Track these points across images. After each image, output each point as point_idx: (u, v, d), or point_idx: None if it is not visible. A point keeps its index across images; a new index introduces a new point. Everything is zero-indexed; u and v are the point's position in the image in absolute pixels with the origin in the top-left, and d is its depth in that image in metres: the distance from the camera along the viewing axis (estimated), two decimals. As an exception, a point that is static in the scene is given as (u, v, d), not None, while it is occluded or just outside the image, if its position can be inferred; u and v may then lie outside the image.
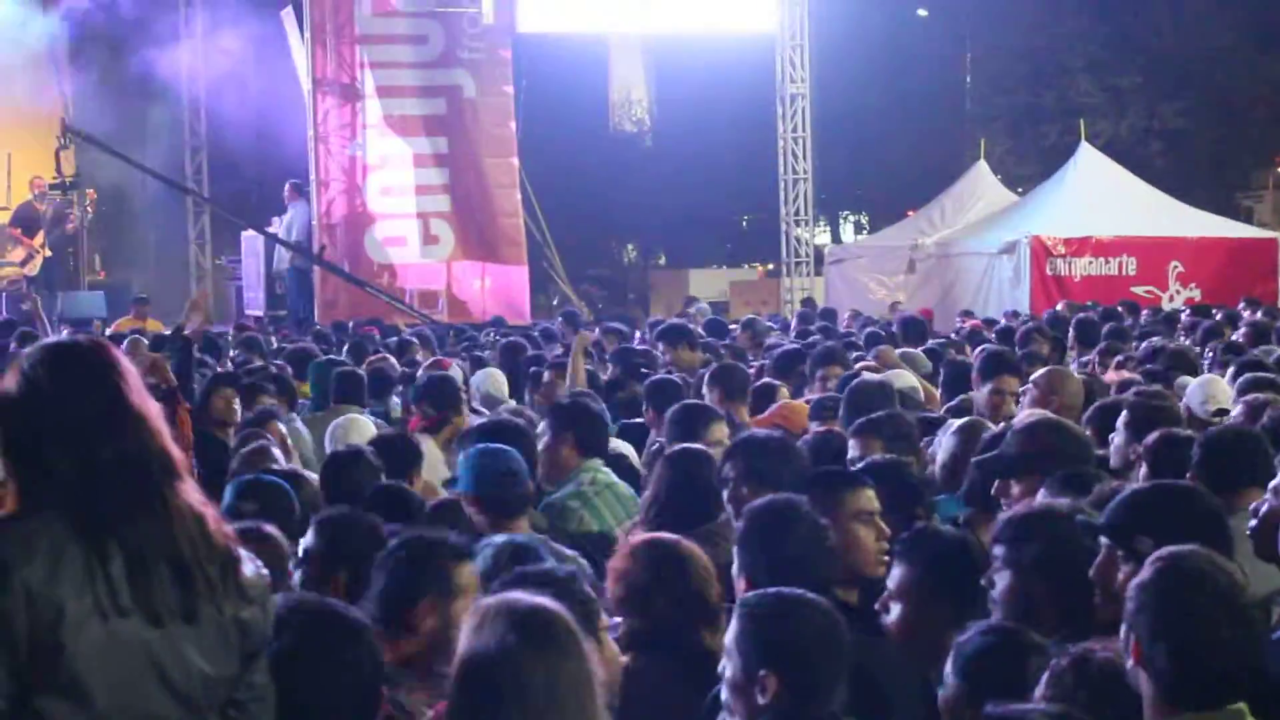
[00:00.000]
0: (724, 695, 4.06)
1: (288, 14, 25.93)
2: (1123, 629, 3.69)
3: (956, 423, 6.80)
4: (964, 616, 4.29)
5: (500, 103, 24.70)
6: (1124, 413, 6.92)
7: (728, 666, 4.05)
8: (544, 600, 3.41)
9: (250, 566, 3.53)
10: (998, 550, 4.46)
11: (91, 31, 29.30)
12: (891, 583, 4.60)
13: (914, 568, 4.58)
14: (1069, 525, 4.42)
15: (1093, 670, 3.70)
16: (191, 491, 3.48)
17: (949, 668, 3.97)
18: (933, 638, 4.34)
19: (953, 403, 9.11)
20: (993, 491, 5.76)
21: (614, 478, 7.23)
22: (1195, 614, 3.60)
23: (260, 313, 25.19)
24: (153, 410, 3.49)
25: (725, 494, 5.92)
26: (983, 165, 27.43)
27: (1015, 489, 5.68)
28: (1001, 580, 4.41)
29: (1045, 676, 3.70)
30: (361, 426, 8.51)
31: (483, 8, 24.57)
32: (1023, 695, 3.67)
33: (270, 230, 25.46)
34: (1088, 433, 7.24)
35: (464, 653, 3.36)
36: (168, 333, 19.30)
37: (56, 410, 3.38)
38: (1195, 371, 10.39)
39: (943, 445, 6.61)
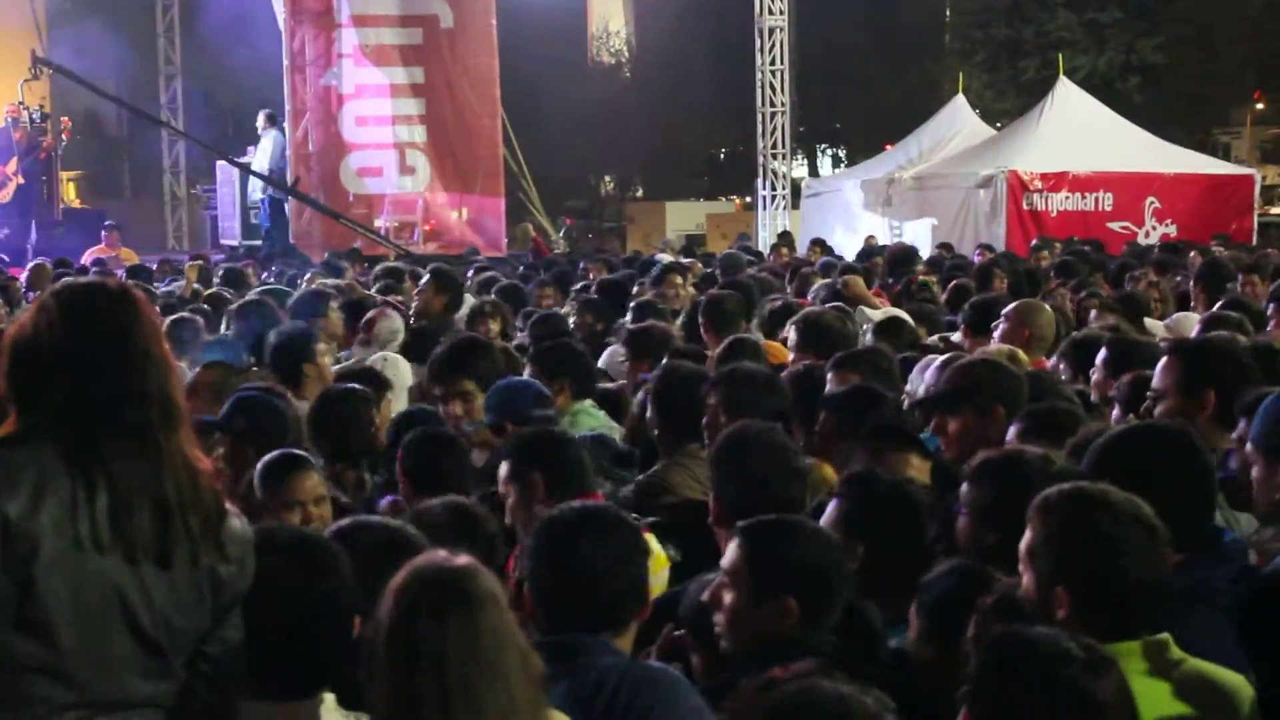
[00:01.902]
0: (723, 620, 4.06)
1: (264, -59, 25.73)
2: (1026, 578, 3.71)
3: (937, 359, 6.78)
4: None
5: (482, 33, 24.51)
6: (1103, 350, 6.89)
7: (732, 593, 4.06)
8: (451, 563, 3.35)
9: (236, 523, 3.53)
10: (962, 490, 4.43)
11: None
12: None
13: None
14: (1028, 472, 4.31)
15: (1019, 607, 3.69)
16: (188, 441, 3.49)
17: (913, 608, 3.99)
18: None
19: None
20: (930, 429, 5.79)
21: (601, 418, 7.23)
22: (1103, 539, 3.61)
23: (235, 242, 25.12)
24: (163, 354, 3.49)
25: (705, 420, 5.95)
26: (961, 99, 27.35)
27: (951, 425, 5.72)
28: (960, 522, 4.39)
29: (974, 617, 3.69)
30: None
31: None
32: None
33: (244, 160, 25.34)
34: (1061, 366, 7.32)
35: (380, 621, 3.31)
36: (139, 262, 19.40)
37: (60, 341, 3.40)
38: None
39: (923, 381, 6.60)
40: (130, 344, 3.43)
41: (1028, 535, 3.71)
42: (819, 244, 20.16)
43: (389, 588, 3.22)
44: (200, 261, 15.95)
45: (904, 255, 15.84)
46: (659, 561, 4.77)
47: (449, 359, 7.19)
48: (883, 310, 10.27)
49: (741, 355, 7.29)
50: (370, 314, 9.78)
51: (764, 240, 25.79)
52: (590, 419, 7.13)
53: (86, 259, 19.74)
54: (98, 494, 3.31)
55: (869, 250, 18.07)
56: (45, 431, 3.35)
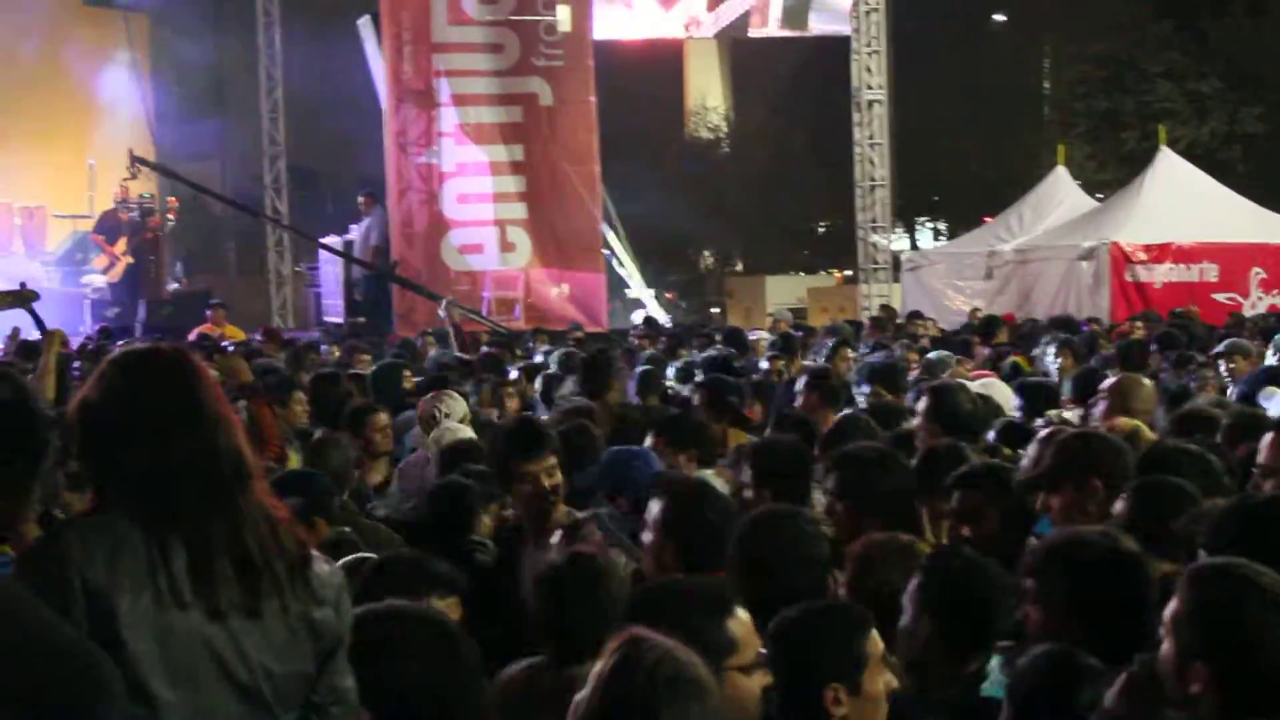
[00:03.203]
0: None
1: (365, 23, 26.06)
2: (1166, 646, 3.61)
3: (1044, 431, 6.73)
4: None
5: (581, 111, 24.73)
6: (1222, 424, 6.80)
7: None
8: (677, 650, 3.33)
9: (324, 566, 3.56)
10: (1027, 583, 4.31)
11: (171, 43, 29.66)
12: None
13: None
14: (1100, 554, 4.22)
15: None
16: (263, 492, 3.53)
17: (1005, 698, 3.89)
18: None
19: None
20: (1038, 505, 5.74)
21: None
22: (1249, 619, 3.53)
23: (339, 319, 25.34)
24: (228, 413, 3.54)
25: (826, 508, 5.95)
26: (1061, 171, 27.22)
27: (1054, 501, 5.66)
28: (1034, 614, 4.26)
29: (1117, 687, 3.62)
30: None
31: (559, 16, 24.61)
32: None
33: (346, 238, 25.62)
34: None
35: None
36: (245, 339, 19.64)
37: (129, 411, 3.44)
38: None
39: (1029, 454, 6.55)
40: (194, 405, 3.47)
41: (1174, 604, 3.63)
42: (918, 316, 20.11)
43: (610, 670, 3.21)
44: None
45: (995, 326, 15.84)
46: None
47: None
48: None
49: (855, 433, 7.30)
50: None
51: (866, 314, 25.73)
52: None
53: (192, 337, 19.96)
54: (174, 554, 3.34)
55: (989, 322, 17.86)
56: (120, 499, 3.38)
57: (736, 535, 5.02)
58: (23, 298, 9.92)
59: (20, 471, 3.52)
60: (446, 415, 8.97)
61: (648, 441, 7.39)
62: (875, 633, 4.08)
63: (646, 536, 5.23)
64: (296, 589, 3.46)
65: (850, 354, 12.30)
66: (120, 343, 17.70)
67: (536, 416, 7.54)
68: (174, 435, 3.42)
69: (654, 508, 5.24)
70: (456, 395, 9.43)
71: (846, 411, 8.34)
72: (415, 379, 11.67)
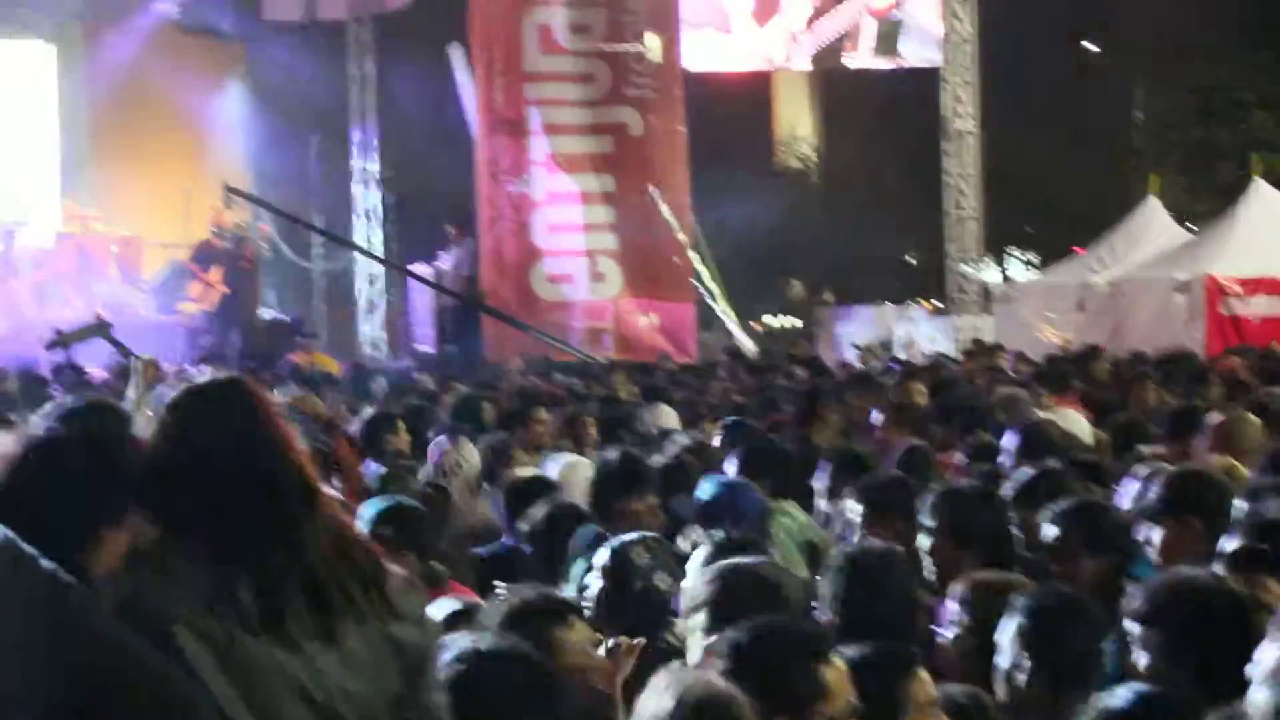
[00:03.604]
0: None
1: (455, 50, 26.22)
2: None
3: (1143, 470, 6.67)
4: None
5: (672, 140, 24.80)
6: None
7: None
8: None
9: (401, 583, 3.55)
10: (1133, 628, 4.26)
11: (265, 71, 29.95)
12: None
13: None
14: (1211, 597, 4.17)
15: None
16: (332, 510, 3.52)
17: None
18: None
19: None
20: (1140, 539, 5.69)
21: (802, 518, 7.20)
22: None
23: (430, 348, 25.46)
24: (288, 436, 3.53)
25: (930, 547, 5.91)
26: (1154, 201, 26.96)
27: (1155, 538, 5.60)
28: (1140, 658, 4.21)
29: None
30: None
31: (649, 46, 24.67)
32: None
33: (436, 265, 25.76)
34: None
35: None
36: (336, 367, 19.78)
37: (185, 447, 3.45)
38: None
39: (1128, 494, 6.49)
40: (251, 434, 3.47)
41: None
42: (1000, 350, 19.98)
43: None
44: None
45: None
46: None
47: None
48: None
49: (922, 465, 7.30)
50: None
51: (954, 346, 25.58)
52: (789, 519, 7.11)
53: (283, 367, 20.10)
54: (242, 585, 3.33)
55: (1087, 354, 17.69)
56: (184, 534, 3.39)
57: (832, 574, 5.00)
58: (100, 329, 10.03)
59: (102, 511, 3.55)
60: (460, 465, 9.01)
61: (731, 471, 7.38)
62: (925, 675, 4.04)
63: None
64: (374, 606, 3.45)
65: (920, 386, 12.19)
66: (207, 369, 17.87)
67: (638, 453, 7.48)
68: (232, 466, 3.43)
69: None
70: (469, 442, 9.43)
71: (914, 442, 8.28)
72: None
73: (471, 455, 9.03)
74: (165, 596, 3.28)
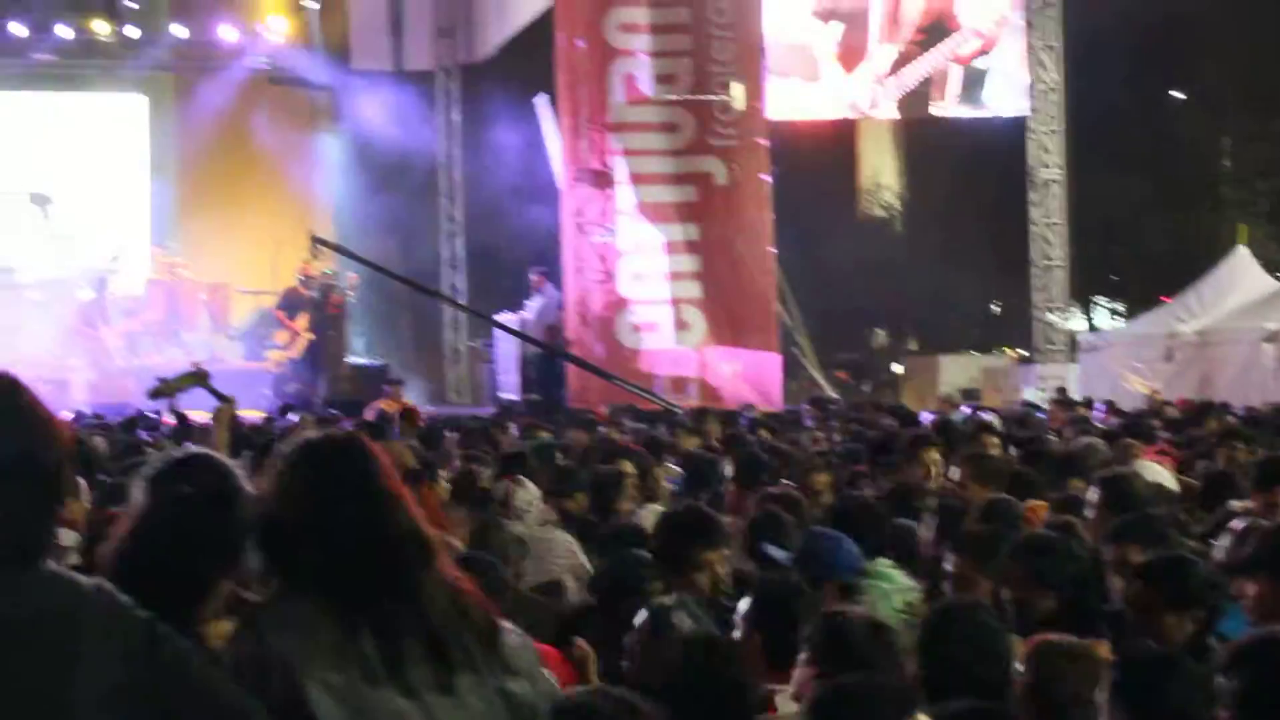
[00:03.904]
0: None
1: (542, 101, 26.36)
2: None
3: (1238, 524, 6.59)
4: None
5: (756, 190, 24.81)
6: None
7: None
8: None
9: (514, 638, 3.59)
10: (1227, 683, 4.09)
11: (352, 121, 30.24)
12: None
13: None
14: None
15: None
16: (446, 568, 3.59)
17: None
18: None
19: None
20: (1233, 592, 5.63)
21: (898, 579, 7.12)
22: None
23: (514, 396, 25.53)
24: (403, 493, 3.60)
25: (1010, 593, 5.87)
26: (1242, 251, 26.76)
27: (1250, 590, 5.55)
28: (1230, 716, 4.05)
29: None
30: None
31: (733, 95, 24.72)
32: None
33: (521, 315, 25.86)
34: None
35: None
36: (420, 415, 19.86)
37: (305, 501, 3.51)
38: None
39: (1222, 543, 6.42)
40: (370, 489, 3.53)
41: None
42: (1100, 401, 19.84)
43: None
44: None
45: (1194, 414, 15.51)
46: None
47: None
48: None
49: (1007, 517, 7.24)
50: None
51: (1041, 396, 25.42)
52: (886, 579, 7.05)
53: (369, 414, 20.19)
54: (363, 635, 3.38)
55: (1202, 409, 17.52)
56: (305, 586, 3.45)
57: (921, 629, 4.99)
58: (199, 377, 10.13)
59: (220, 564, 3.61)
60: (526, 507, 9.00)
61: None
62: None
63: None
64: (488, 662, 3.50)
65: (994, 439, 12.06)
66: (296, 417, 18.06)
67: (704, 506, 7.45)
68: (351, 520, 3.48)
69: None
70: (528, 482, 9.40)
71: (1000, 495, 8.22)
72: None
73: (529, 496, 9.07)
74: (290, 647, 3.34)
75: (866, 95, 27.54)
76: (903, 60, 27.27)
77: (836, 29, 27.13)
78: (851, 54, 27.21)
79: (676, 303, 24.52)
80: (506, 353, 26.71)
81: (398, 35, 30.91)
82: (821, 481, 9.62)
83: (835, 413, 19.06)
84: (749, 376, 24.48)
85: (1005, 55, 27.58)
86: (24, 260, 28.61)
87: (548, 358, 24.80)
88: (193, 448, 4.33)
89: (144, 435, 14.85)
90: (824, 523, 7.44)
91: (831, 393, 26.33)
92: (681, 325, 24.49)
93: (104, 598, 3.01)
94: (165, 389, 9.69)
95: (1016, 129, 28.27)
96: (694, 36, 24.52)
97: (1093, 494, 7.77)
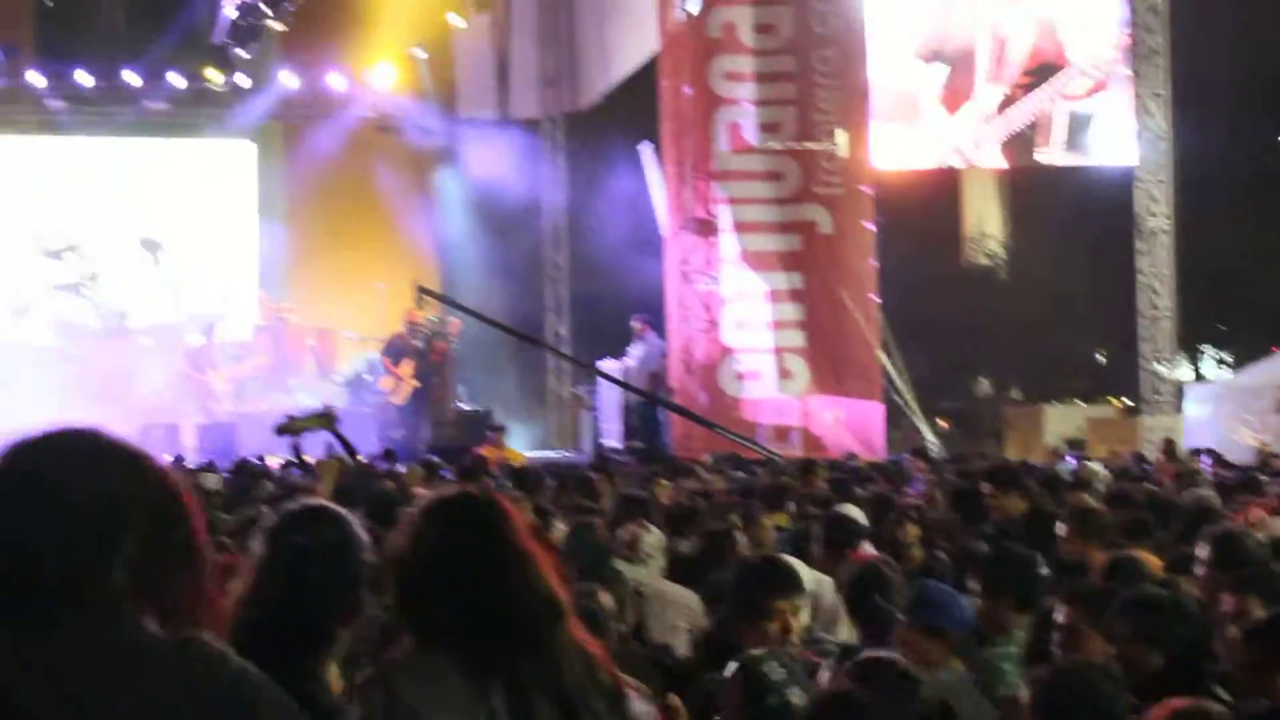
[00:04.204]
0: None
1: (647, 149, 26.47)
2: None
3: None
4: None
5: (860, 239, 24.75)
6: None
7: None
8: None
9: (639, 704, 3.61)
10: None
11: (456, 168, 30.52)
12: None
13: None
14: None
15: None
16: (577, 630, 3.61)
17: None
18: None
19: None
20: None
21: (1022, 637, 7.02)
22: None
23: (617, 443, 25.57)
24: (538, 552, 3.62)
25: (1117, 652, 5.80)
26: (1355, 301, 26.50)
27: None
28: None
29: None
30: None
31: (838, 144, 24.69)
32: None
33: (625, 362, 25.92)
34: None
35: None
36: (525, 461, 19.97)
37: (440, 557, 3.56)
38: None
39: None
40: (503, 548, 3.57)
41: None
42: (1209, 453, 19.61)
43: None
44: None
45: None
46: None
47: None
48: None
49: (1131, 575, 7.13)
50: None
51: (1148, 447, 25.17)
52: (1012, 643, 6.95)
53: (468, 460, 20.25)
54: (494, 692, 3.42)
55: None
56: (437, 642, 3.49)
57: (1035, 692, 4.95)
58: (327, 419, 10.21)
59: (339, 613, 3.66)
60: (652, 552, 8.95)
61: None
62: None
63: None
64: None
65: (1100, 492, 11.91)
66: (402, 464, 18.18)
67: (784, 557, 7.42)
68: (485, 578, 3.51)
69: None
70: (654, 527, 9.38)
71: (1122, 553, 8.11)
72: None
73: (655, 541, 9.05)
74: (419, 697, 3.37)
75: (971, 137, 27.42)
76: (1008, 101, 27.16)
77: (940, 71, 27.09)
78: (955, 96, 27.14)
79: (780, 351, 24.48)
80: (609, 400, 26.77)
81: (504, 84, 31.22)
82: (911, 534, 9.56)
83: (938, 463, 18.94)
84: (852, 425, 24.39)
85: (1112, 102, 27.41)
86: (135, 305, 29.07)
87: (650, 405, 24.84)
88: (310, 500, 4.37)
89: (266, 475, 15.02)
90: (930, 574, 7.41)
91: (934, 442, 26.17)
92: (784, 374, 24.44)
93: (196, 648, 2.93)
94: (292, 427, 9.79)
95: (1123, 177, 28.05)
96: (799, 85, 24.53)
97: (1202, 550, 7.66)
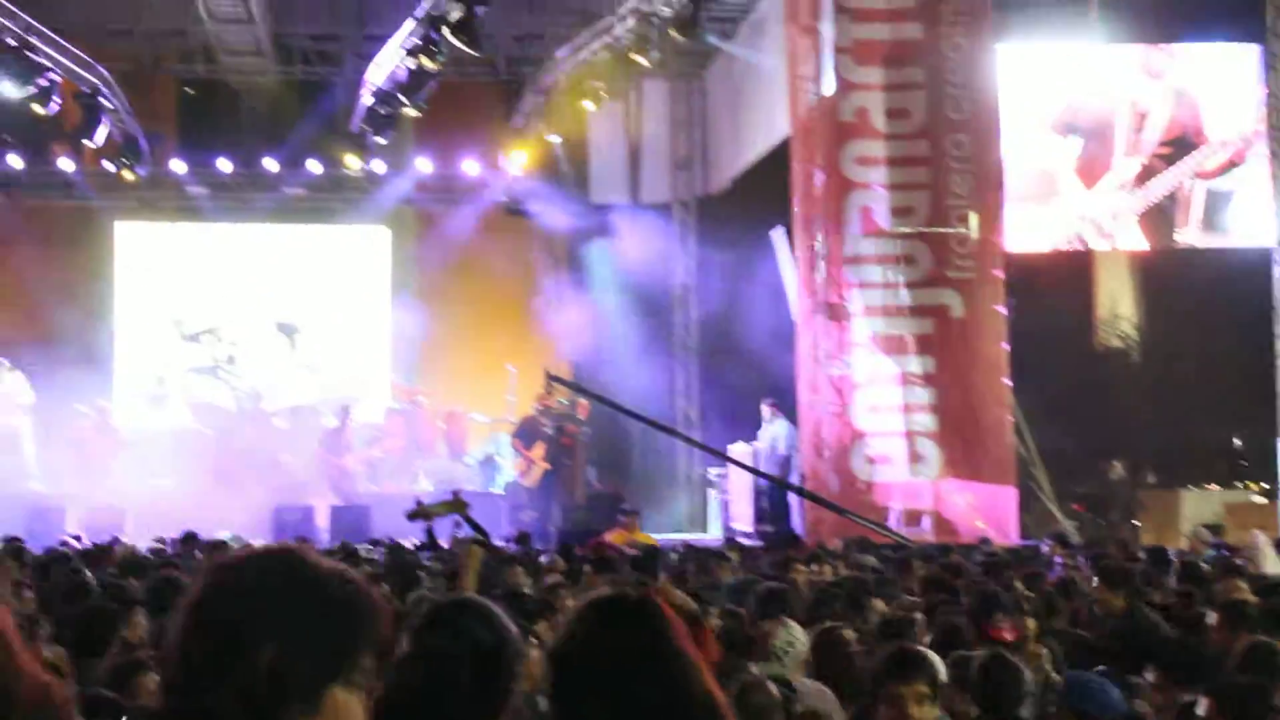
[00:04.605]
0: None
1: (778, 234, 26.53)
2: None
3: None
4: None
5: (993, 322, 24.61)
6: None
7: None
8: None
9: None
10: None
11: (585, 251, 30.75)
12: None
13: None
14: None
15: None
16: None
17: None
18: None
19: None
20: None
21: None
22: None
23: (747, 526, 25.52)
24: (697, 657, 3.62)
25: None
26: None
27: None
28: None
29: None
30: None
31: (970, 227, 24.59)
32: None
33: (755, 445, 25.90)
34: None
35: None
36: (655, 545, 19.94)
37: (598, 658, 3.56)
38: None
39: None
40: (661, 652, 3.57)
41: None
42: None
43: None
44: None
45: None
46: None
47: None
48: None
49: (1269, 665, 7.03)
50: None
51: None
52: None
53: (597, 546, 20.24)
54: None
55: None
56: None
57: None
58: (459, 506, 10.29)
59: (487, 714, 3.68)
60: (787, 649, 8.85)
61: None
62: None
63: None
64: None
65: (1242, 583, 11.71)
66: (537, 547, 18.26)
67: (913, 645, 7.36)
68: (643, 681, 3.52)
69: None
70: (792, 623, 9.27)
71: (1261, 640, 7.98)
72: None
73: (800, 636, 8.97)
74: None
75: (1109, 209, 27.17)
76: (1146, 174, 26.94)
77: (1076, 144, 26.92)
78: (1092, 168, 26.94)
79: (911, 435, 24.32)
80: (740, 482, 26.73)
81: (636, 168, 31.45)
82: (1030, 626, 9.47)
83: (1076, 548, 18.75)
84: (984, 509, 24.17)
85: (1250, 179, 27.14)
86: (271, 387, 29.50)
87: (781, 489, 24.79)
88: (464, 596, 4.40)
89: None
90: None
91: (1068, 526, 25.87)
92: (916, 457, 24.27)
93: None
94: (423, 513, 9.90)
95: (1261, 259, 27.72)
96: (931, 169, 24.48)
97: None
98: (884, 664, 6.57)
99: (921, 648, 7.31)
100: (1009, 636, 9.05)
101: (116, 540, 18.92)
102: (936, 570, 13.51)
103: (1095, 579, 12.18)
